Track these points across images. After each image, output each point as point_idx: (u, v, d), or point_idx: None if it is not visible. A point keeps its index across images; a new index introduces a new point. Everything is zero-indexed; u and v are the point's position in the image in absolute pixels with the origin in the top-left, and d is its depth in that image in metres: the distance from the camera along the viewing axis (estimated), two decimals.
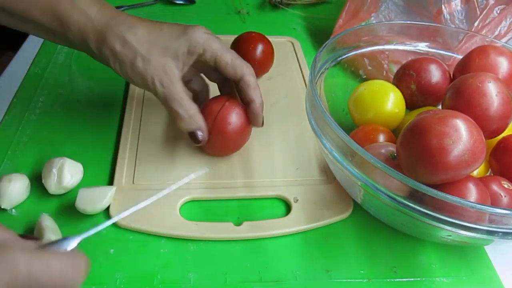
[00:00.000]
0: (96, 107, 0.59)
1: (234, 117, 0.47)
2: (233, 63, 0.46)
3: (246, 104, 0.48)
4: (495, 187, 0.42)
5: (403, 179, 0.36)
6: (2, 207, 0.44)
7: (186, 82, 0.50)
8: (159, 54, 0.43)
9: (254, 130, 0.51)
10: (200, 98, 0.51)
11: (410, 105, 0.53)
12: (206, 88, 0.52)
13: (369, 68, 0.60)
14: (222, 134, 0.48)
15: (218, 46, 0.45)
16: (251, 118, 0.48)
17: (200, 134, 0.46)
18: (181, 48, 0.44)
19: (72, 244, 0.31)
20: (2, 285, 0.24)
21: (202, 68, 0.49)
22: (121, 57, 0.43)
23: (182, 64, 0.45)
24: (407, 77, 0.53)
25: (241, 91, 0.47)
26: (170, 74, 0.43)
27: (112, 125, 0.56)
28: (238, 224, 0.45)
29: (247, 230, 0.45)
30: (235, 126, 0.48)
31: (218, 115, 0.47)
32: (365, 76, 0.60)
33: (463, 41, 0.58)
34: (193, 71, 0.49)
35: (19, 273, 0.25)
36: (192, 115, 0.44)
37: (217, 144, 0.49)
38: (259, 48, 0.62)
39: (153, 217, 0.45)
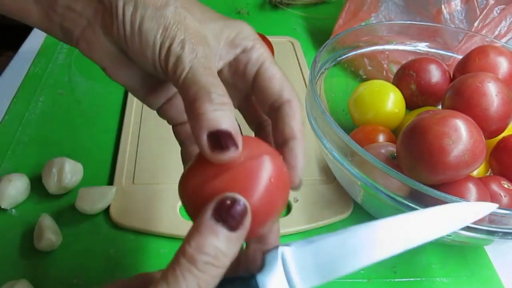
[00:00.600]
0: (96, 107, 0.59)
1: (276, 174, 0.25)
2: (282, 79, 0.31)
3: (281, 143, 0.29)
4: (495, 187, 0.42)
5: (403, 179, 0.36)
6: (2, 207, 0.44)
7: None
8: (198, 21, 0.28)
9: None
10: None
11: (410, 105, 0.53)
12: None
13: (369, 68, 0.60)
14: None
15: (267, 51, 0.31)
16: (290, 164, 0.28)
17: (233, 136, 0.24)
18: (227, 33, 0.29)
19: None
20: None
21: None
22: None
23: (220, 55, 0.29)
24: (407, 77, 0.53)
25: (279, 121, 0.29)
26: (209, 47, 0.28)
27: (112, 125, 0.56)
28: None
29: None
30: (266, 196, 0.25)
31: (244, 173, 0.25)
32: (365, 76, 0.60)
33: (463, 41, 0.58)
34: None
35: None
36: (227, 103, 0.25)
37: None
38: None
39: (153, 217, 0.45)
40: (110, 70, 0.30)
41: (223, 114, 0.25)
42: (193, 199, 0.25)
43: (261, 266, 0.25)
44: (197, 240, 0.22)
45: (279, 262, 0.25)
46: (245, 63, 0.30)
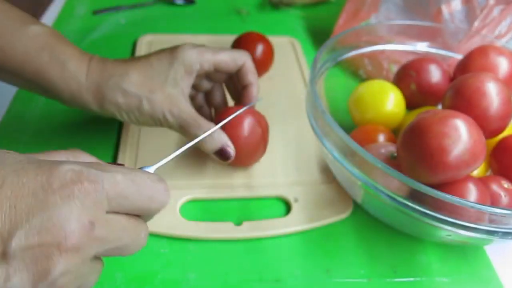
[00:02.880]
0: None
1: (247, 126, 0.46)
2: (232, 57, 0.45)
3: (243, 88, 0.47)
4: (495, 187, 0.42)
5: (403, 179, 0.36)
6: None
7: (208, 93, 0.51)
8: (160, 89, 0.43)
9: None
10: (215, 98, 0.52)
11: (410, 105, 0.53)
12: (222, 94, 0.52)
13: (369, 68, 0.60)
14: (235, 143, 0.45)
15: (211, 53, 0.45)
16: (245, 98, 0.47)
17: (228, 150, 0.44)
18: (178, 74, 0.43)
19: (150, 170, 0.30)
20: (90, 205, 0.24)
21: (205, 75, 0.48)
22: (127, 107, 0.43)
23: (185, 87, 0.44)
24: (407, 77, 0.53)
25: (240, 77, 0.47)
26: (177, 103, 0.43)
27: (112, 124, 0.56)
28: (238, 224, 0.45)
29: (247, 230, 0.45)
30: (248, 136, 0.46)
31: (231, 124, 0.44)
32: (365, 76, 0.60)
33: (463, 41, 0.58)
34: (203, 83, 0.49)
35: (105, 191, 0.25)
36: (213, 134, 0.43)
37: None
38: (259, 48, 0.62)
39: (153, 217, 0.45)
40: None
41: (214, 141, 0.43)
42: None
43: None
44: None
45: None
46: (205, 73, 0.46)
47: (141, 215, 0.28)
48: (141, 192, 0.27)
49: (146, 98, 0.42)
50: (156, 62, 0.44)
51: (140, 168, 0.30)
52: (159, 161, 0.32)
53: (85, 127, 0.56)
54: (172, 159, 0.51)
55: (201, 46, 0.45)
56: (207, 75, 0.49)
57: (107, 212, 0.25)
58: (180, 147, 0.34)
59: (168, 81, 0.43)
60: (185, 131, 0.43)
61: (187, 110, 0.43)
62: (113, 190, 0.25)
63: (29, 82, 0.43)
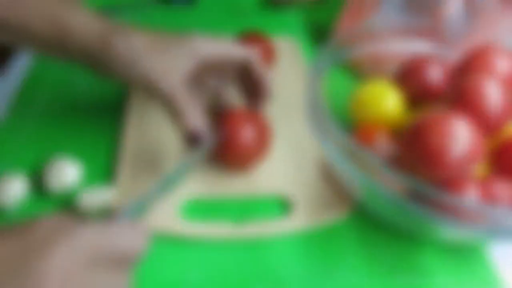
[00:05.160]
0: (97, 107, 0.59)
1: (249, 132, 0.46)
2: (237, 51, 0.47)
3: (256, 84, 0.48)
4: (495, 187, 0.42)
5: (403, 179, 0.36)
6: (1, 207, 0.44)
7: (199, 85, 0.51)
8: (163, 56, 0.44)
9: None
10: (221, 99, 0.53)
11: (411, 105, 0.53)
12: (223, 88, 0.52)
13: (369, 68, 0.60)
14: (234, 147, 0.46)
15: (216, 44, 0.47)
16: (256, 95, 0.49)
17: (200, 134, 0.43)
18: (185, 54, 0.45)
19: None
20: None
21: (210, 69, 0.49)
22: (125, 57, 0.43)
23: (186, 69, 0.45)
24: (407, 77, 0.53)
25: (250, 72, 0.48)
26: (175, 75, 0.44)
27: (112, 124, 0.56)
28: (238, 224, 0.45)
29: (247, 230, 0.45)
30: (248, 141, 0.46)
31: (233, 127, 0.46)
32: (365, 76, 0.60)
33: (463, 41, 0.58)
34: (203, 74, 0.49)
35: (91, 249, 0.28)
36: (196, 115, 0.44)
37: (228, 156, 0.48)
38: (259, 48, 0.62)
39: (153, 217, 0.45)
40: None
41: (195, 120, 0.43)
42: None
43: None
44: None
45: None
46: (210, 63, 0.46)
47: (124, 264, 0.29)
48: (114, 238, 0.29)
49: (147, 57, 0.43)
50: (168, 36, 0.46)
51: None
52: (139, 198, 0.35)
53: (85, 128, 0.56)
54: (171, 159, 0.52)
55: (211, 38, 0.47)
56: (215, 71, 0.50)
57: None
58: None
59: (173, 54, 0.44)
60: (171, 102, 0.43)
61: (181, 89, 0.44)
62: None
63: (37, 30, 0.44)
